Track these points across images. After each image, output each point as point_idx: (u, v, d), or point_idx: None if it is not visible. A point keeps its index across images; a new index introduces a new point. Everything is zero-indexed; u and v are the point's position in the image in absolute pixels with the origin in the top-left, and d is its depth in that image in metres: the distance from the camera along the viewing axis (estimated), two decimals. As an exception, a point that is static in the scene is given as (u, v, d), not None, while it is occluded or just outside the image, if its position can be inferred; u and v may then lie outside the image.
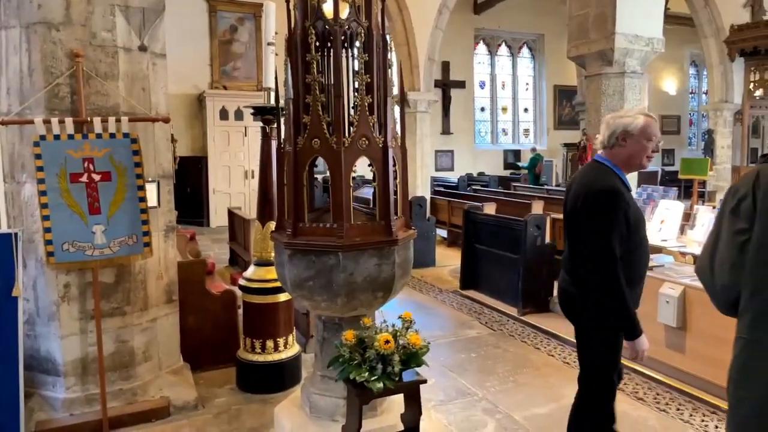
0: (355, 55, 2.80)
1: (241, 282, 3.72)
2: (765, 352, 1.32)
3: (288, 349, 3.71)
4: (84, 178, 3.02)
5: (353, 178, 2.77)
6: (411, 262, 2.92)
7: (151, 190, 3.29)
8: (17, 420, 2.79)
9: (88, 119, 3.01)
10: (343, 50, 2.82)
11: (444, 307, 5.60)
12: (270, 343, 3.63)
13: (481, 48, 16.61)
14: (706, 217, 4.10)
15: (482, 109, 16.75)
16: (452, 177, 13.92)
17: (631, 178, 3.39)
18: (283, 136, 2.91)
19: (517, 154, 16.16)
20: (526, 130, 17.18)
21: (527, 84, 17.24)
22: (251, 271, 3.71)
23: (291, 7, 2.83)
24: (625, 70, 4.75)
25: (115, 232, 3.10)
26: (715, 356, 3.43)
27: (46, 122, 2.91)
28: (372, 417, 2.72)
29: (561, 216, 6.51)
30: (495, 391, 3.65)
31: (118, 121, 3.07)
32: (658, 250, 4.27)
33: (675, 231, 4.31)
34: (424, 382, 2.57)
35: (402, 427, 2.63)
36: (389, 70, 2.88)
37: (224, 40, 11.72)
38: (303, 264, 2.67)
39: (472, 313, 5.34)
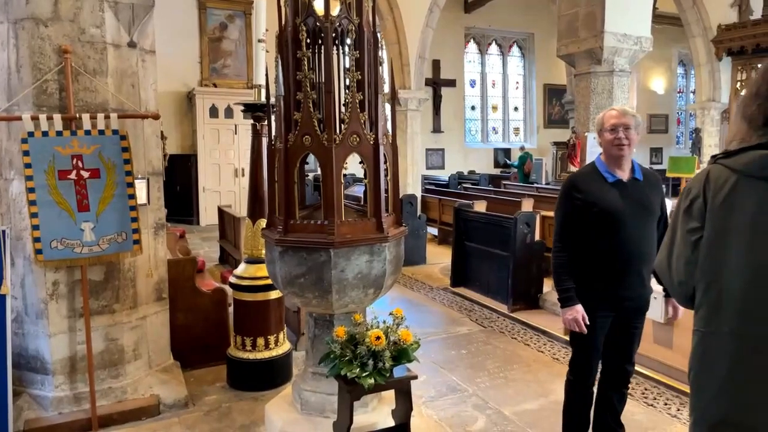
0: (346, 53, 2.80)
1: (232, 279, 3.71)
2: (720, 343, 1.39)
3: (279, 346, 3.71)
4: (72, 175, 3.00)
5: (344, 175, 2.77)
6: (402, 258, 2.94)
7: (140, 188, 3.28)
8: (6, 419, 2.77)
9: (77, 116, 2.99)
10: (334, 47, 2.82)
11: (435, 305, 5.62)
12: (261, 341, 3.63)
13: (472, 47, 16.65)
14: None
15: (473, 108, 16.80)
16: (443, 175, 13.95)
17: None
18: (273, 133, 2.91)
19: (507, 152, 16.23)
20: (516, 129, 17.25)
21: (517, 83, 17.30)
22: (242, 269, 3.71)
23: (282, 4, 2.83)
24: (613, 69, 4.78)
25: (105, 230, 3.08)
26: (702, 351, 3.48)
27: (34, 118, 2.89)
28: (363, 413, 2.73)
29: (551, 213, 6.55)
30: (485, 387, 3.67)
31: (107, 117, 3.06)
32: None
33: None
34: (415, 377, 2.58)
35: (393, 423, 2.64)
36: (380, 67, 2.88)
37: (214, 38, 11.65)
38: (294, 261, 2.67)
39: (462, 311, 5.37)
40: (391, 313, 2.58)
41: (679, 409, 3.33)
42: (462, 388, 3.66)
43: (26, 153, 2.91)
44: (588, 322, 2.47)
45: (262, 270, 3.58)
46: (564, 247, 2.55)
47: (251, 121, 3.85)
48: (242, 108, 3.77)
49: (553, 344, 4.44)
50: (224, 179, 11.26)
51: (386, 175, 2.83)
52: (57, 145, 2.95)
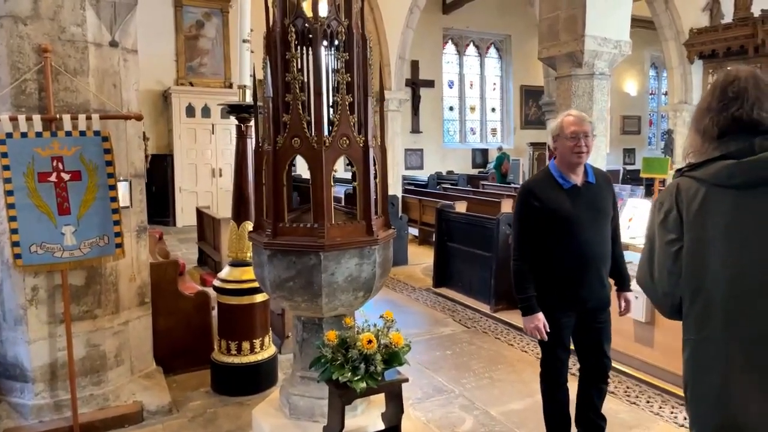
0: (336, 54, 2.79)
1: (216, 283, 3.66)
2: (712, 349, 1.43)
3: (264, 350, 3.67)
4: (53, 178, 2.92)
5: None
6: (390, 261, 2.94)
7: (122, 190, 3.21)
8: (-16, 429, 2.69)
9: (57, 116, 2.91)
10: (323, 49, 2.81)
11: (418, 305, 5.64)
12: (246, 345, 3.59)
13: (450, 48, 16.74)
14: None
15: (451, 109, 16.89)
16: (422, 176, 14.00)
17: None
18: (261, 135, 2.88)
19: (484, 153, 16.36)
20: (494, 130, 17.41)
21: (494, 84, 17.45)
22: (226, 272, 3.66)
23: (270, 4, 2.80)
24: (594, 72, 4.86)
25: (86, 233, 3.01)
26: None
27: (13, 119, 2.81)
28: (352, 416, 2.71)
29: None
30: (471, 388, 3.69)
31: (88, 118, 2.98)
32: (625, 247, 4.39)
33: (642, 229, 4.43)
34: (406, 380, 2.58)
35: (383, 426, 2.64)
36: (369, 69, 2.88)
37: (190, 36, 11.48)
38: (283, 264, 2.65)
39: (446, 311, 5.39)
40: (381, 316, 2.58)
41: (661, 407, 3.40)
42: (448, 389, 3.67)
43: (4, 155, 2.82)
44: (549, 329, 2.51)
45: (247, 273, 3.54)
46: (523, 255, 2.54)
47: (232, 122, 3.80)
48: (227, 109, 3.72)
49: (536, 344, 4.48)
50: (201, 179, 11.10)
51: (375, 177, 2.83)
52: (36, 147, 2.87)
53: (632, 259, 4.15)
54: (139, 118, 3.17)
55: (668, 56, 11.81)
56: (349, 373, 2.40)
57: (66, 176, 2.96)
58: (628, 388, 3.66)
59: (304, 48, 2.85)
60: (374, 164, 2.79)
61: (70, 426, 2.98)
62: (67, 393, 3.02)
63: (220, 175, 11.11)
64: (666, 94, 15.88)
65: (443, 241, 6.08)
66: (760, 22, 9.82)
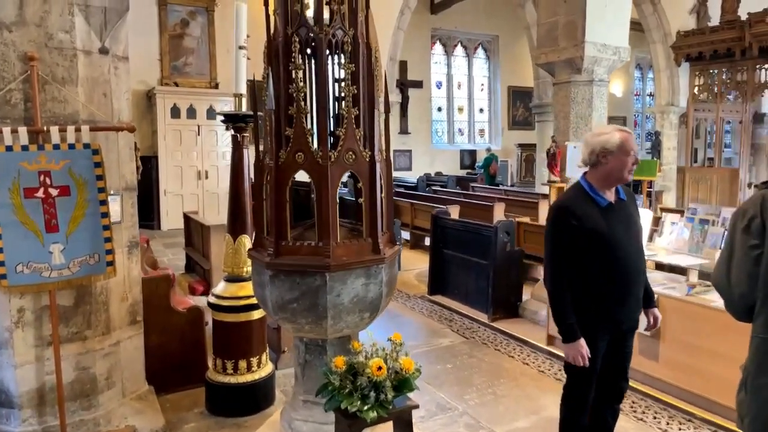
0: (341, 65, 2.68)
1: (211, 299, 3.52)
2: None
3: (261, 368, 3.54)
4: (40, 193, 2.76)
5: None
6: (396, 278, 2.85)
7: (114, 204, 3.06)
8: (-32, 463, 2.53)
9: (45, 128, 2.75)
10: (328, 59, 2.69)
11: (414, 314, 5.54)
12: (243, 364, 3.45)
13: (438, 48, 16.67)
14: (675, 225, 4.19)
15: (439, 109, 16.84)
16: (411, 177, 13.91)
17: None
18: (262, 148, 2.76)
19: (473, 154, 16.32)
20: (482, 131, 17.39)
21: (482, 85, 17.43)
22: (222, 288, 3.52)
23: (271, 12, 2.68)
24: (593, 78, 4.81)
25: (75, 251, 2.85)
26: (688, 363, 3.51)
27: (-3, 132, 2.64)
28: (360, 444, 2.61)
29: (526, 219, 6.58)
30: (475, 405, 3.61)
31: (77, 130, 2.83)
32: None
33: (644, 238, 4.37)
34: (416, 407, 2.50)
35: (391, 453, 2.54)
36: (375, 80, 2.78)
37: (175, 35, 11.23)
38: (286, 285, 2.54)
39: (443, 321, 5.30)
40: (390, 339, 2.48)
41: (668, 423, 3.35)
42: (452, 407, 3.58)
43: (-12, 170, 2.66)
44: (590, 355, 2.42)
45: (243, 289, 3.41)
46: (561, 278, 2.42)
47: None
48: (222, 119, 3.57)
49: (537, 355, 4.42)
50: (187, 182, 10.87)
51: (381, 192, 2.73)
52: (22, 161, 2.71)
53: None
54: (131, 129, 3.02)
55: (655, 58, 11.87)
56: (359, 402, 2.30)
57: (54, 191, 2.81)
58: (633, 402, 3.61)
59: (307, 58, 2.73)
60: (380, 179, 2.70)
61: (59, 454, 2.83)
62: (56, 419, 2.87)
63: (206, 177, 10.89)
64: (651, 95, 16.00)
65: (438, 247, 5.99)
66: (747, 25, 9.87)
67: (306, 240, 2.59)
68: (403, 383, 2.41)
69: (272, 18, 2.67)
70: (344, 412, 2.32)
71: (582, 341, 2.40)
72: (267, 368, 3.59)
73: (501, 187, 11.54)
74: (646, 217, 4.42)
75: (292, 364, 2.91)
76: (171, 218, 10.38)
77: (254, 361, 3.50)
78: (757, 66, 10.32)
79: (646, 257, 4.18)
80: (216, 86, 11.33)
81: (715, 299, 3.29)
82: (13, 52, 2.73)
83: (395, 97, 8.97)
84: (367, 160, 2.63)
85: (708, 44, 10.64)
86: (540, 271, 6.04)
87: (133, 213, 3.29)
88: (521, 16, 11.04)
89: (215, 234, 5.78)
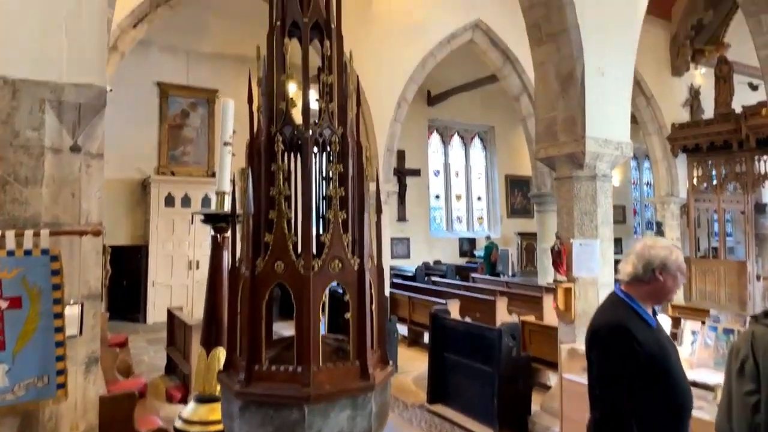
0: (328, 166, 2.46)
1: (177, 424, 3.08)
2: None
3: (234, 505, 3.04)
4: (-15, 306, 2.44)
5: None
6: (388, 405, 2.46)
7: (71, 316, 2.72)
8: None
9: (0, 233, 2.48)
10: (315, 158, 2.47)
11: (413, 430, 5.01)
12: (212, 500, 2.97)
13: (435, 137, 16.92)
14: (696, 334, 3.83)
15: (437, 197, 16.81)
16: (409, 266, 13.58)
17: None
18: (238, 255, 2.47)
19: (471, 242, 16.10)
20: (480, 218, 17.28)
21: (479, 173, 17.54)
22: (190, 410, 3.09)
23: (255, 109, 2.49)
24: (596, 174, 4.62)
25: (22, 373, 2.49)
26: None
27: (-58, 238, 2.36)
28: None
29: (531, 317, 6.20)
30: None
31: (36, 234, 2.55)
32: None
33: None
34: None
35: None
36: (366, 180, 2.55)
37: (175, 125, 11.34)
38: (257, 419, 2.15)
39: (443, 436, 4.79)
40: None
41: None
42: None
43: (-74, 281, 2.35)
44: None
45: (215, 412, 2.98)
46: (626, 413, 2.06)
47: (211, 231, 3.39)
48: (201, 218, 3.32)
49: (551, 482, 3.90)
50: (177, 272, 10.52)
51: (371, 303, 2.41)
52: (-32, 270, 2.41)
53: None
54: (97, 233, 2.75)
55: (652, 150, 11.94)
56: None
57: (3, 304, 2.48)
58: None
59: (291, 156, 2.51)
60: (370, 288, 2.39)
61: None
62: None
63: (197, 268, 10.56)
64: (648, 184, 16.05)
65: (438, 350, 5.55)
66: (743, 117, 9.97)
67: (283, 363, 2.24)
68: None
69: (255, 115, 2.48)
70: None
71: None
72: (240, 505, 3.09)
73: (503, 277, 11.20)
74: (665, 323, 4.07)
75: None
76: (158, 311, 9.93)
77: (225, 497, 3.01)
78: (756, 157, 10.33)
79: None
80: (213, 174, 11.26)
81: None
82: (-29, 150, 2.51)
83: (392, 186, 8.86)
84: (356, 269, 2.33)
85: (704, 136, 10.71)
86: (549, 376, 5.58)
87: (95, 324, 2.94)
88: (516, 109, 11.20)
89: (198, 335, 5.36)
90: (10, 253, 2.49)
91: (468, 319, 6.76)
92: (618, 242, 18.32)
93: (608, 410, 2.13)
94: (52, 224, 2.68)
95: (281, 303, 3.07)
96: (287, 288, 2.38)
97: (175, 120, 11.38)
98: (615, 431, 2.09)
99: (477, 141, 17.58)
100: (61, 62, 2.76)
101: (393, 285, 9.55)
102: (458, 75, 13.07)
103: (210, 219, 3.26)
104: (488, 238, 13.47)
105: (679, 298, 10.75)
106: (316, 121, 2.41)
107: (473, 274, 11.34)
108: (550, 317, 7.33)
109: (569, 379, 4.09)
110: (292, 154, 2.50)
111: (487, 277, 11.41)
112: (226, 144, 3.39)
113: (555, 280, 4.64)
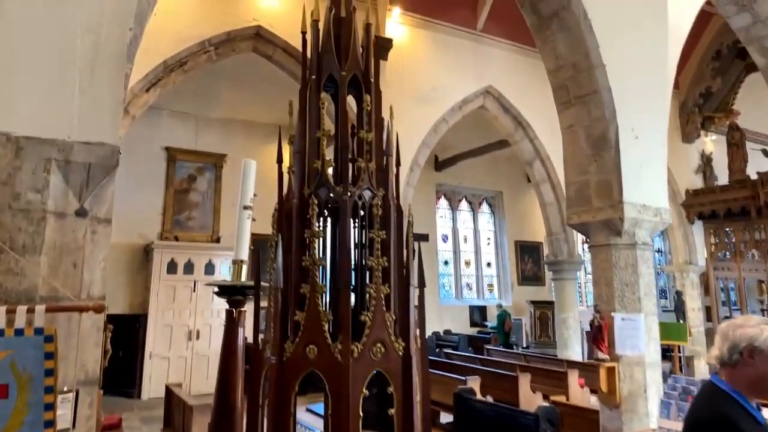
0: (370, 230, 2.17)
1: None
2: None
3: None
4: (-35, 397, 2.06)
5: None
6: None
7: (64, 406, 2.33)
8: None
9: (-13, 309, 2.14)
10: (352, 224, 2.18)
11: None
12: None
13: (443, 202, 16.77)
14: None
15: (446, 263, 16.45)
16: (418, 336, 12.98)
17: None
18: (261, 337, 2.13)
19: (482, 310, 15.57)
20: (490, 286, 16.83)
21: (488, 239, 17.25)
22: None
23: (284, 169, 2.22)
24: (636, 242, 4.32)
25: (0, 478, 2.08)
26: None
27: None
28: None
29: (561, 398, 5.70)
30: None
31: (30, 311, 2.20)
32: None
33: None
34: None
35: None
36: (407, 249, 2.26)
37: (181, 190, 11.15)
38: None
39: None
40: None
41: None
42: None
43: None
44: None
45: None
46: None
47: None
48: (215, 290, 2.98)
49: None
50: (176, 343, 9.99)
51: (416, 395, 2.05)
52: (-52, 353, 2.06)
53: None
54: (99, 309, 2.40)
55: (667, 216, 11.70)
56: None
57: (-15, 393, 2.11)
58: None
59: (323, 220, 2.22)
60: (416, 376, 2.03)
61: None
62: None
63: (198, 338, 10.05)
64: (659, 251, 15.73)
65: (464, 436, 5.04)
66: (760, 184, 9.81)
67: (317, 470, 1.85)
68: None
69: (285, 177, 2.20)
70: None
71: None
72: None
73: (519, 349, 10.66)
74: None
75: None
76: (154, 385, 9.33)
77: None
78: (776, 224, 10.10)
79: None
80: (218, 240, 11.01)
81: None
82: (-37, 214, 2.22)
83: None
84: (401, 353, 2.00)
85: (720, 203, 10.53)
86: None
87: (90, 416, 2.54)
88: (525, 174, 11.10)
89: (199, 416, 4.88)
90: (0, 333, 2.14)
91: (489, 398, 6.26)
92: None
93: None
94: (49, 298, 2.35)
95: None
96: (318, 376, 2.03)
97: (182, 185, 11.21)
98: None
99: (485, 206, 17.42)
100: (72, 118, 2.53)
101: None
102: (466, 140, 13.07)
103: (225, 291, 2.92)
104: (500, 306, 12.99)
105: (703, 370, 10.18)
106: (355, 183, 2.15)
107: (487, 346, 10.80)
108: (576, 396, 6.82)
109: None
110: (322, 220, 2.20)
111: (502, 349, 10.86)
112: (246, 208, 3.10)
113: (596, 359, 4.24)
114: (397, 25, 9.08)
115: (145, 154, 10.56)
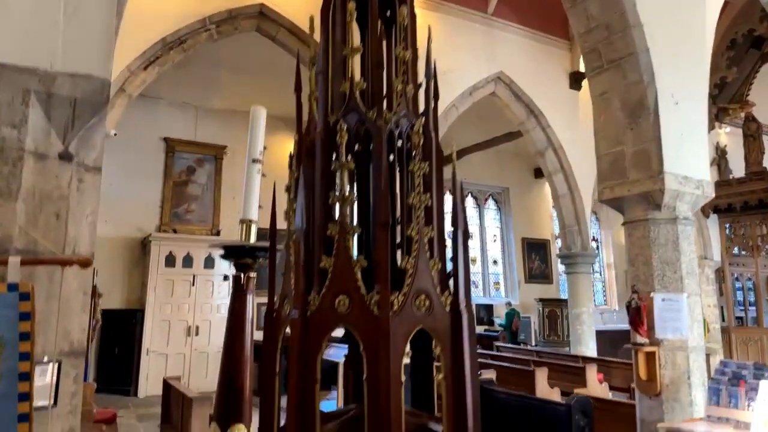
0: (409, 164, 1.83)
1: None
2: None
3: None
4: None
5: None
6: None
7: (42, 380, 1.97)
8: None
9: (-51, 260, 1.78)
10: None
11: None
12: None
13: (447, 198, 16.42)
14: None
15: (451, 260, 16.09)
16: (424, 334, 12.61)
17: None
18: (280, 292, 1.79)
19: (489, 308, 15.18)
20: (497, 284, 16.46)
21: (495, 236, 16.90)
22: None
23: (305, 97, 1.88)
24: (677, 216, 3.98)
25: (-37, 460, 1.72)
26: None
27: None
28: None
29: (583, 390, 5.32)
30: None
31: (2, 263, 1.85)
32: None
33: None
34: None
35: None
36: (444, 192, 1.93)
37: (180, 182, 10.79)
38: None
39: None
40: None
41: None
42: None
43: None
44: None
45: None
46: None
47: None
48: (221, 253, 2.61)
49: None
50: (174, 339, 9.60)
51: (468, 362, 1.70)
52: None
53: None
54: (85, 263, 2.04)
55: (680, 210, 11.36)
56: None
57: (-54, 359, 1.75)
58: None
59: (351, 156, 1.88)
60: (468, 340, 1.69)
61: None
62: None
63: (197, 334, 9.67)
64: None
65: (488, 429, 4.66)
66: (778, 176, 9.49)
67: (348, 444, 1.51)
68: None
69: (305, 104, 1.86)
70: None
71: None
72: None
73: (528, 346, 10.30)
74: None
75: None
76: (151, 382, 8.93)
77: None
78: (795, 217, 9.77)
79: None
80: (217, 233, 10.64)
81: None
82: None
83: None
84: (448, 309, 1.66)
85: (737, 195, 10.20)
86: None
87: (75, 392, 2.16)
88: (532, 169, 10.75)
89: (199, 409, 4.50)
90: (-36, 288, 1.79)
91: (508, 392, 5.89)
92: (642, 310, 17.44)
93: None
94: (27, 252, 1.98)
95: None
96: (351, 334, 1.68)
97: (181, 176, 10.85)
98: None
99: (491, 202, 17.07)
100: (55, 45, 2.17)
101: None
102: (470, 134, 12.74)
103: (232, 253, 2.55)
104: (509, 304, 12.63)
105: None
106: (391, 108, 1.81)
107: (496, 343, 10.43)
108: (596, 392, 6.46)
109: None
110: (350, 155, 1.86)
111: (511, 345, 10.50)
112: (254, 161, 2.73)
113: (634, 343, 3.87)
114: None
115: (143, 144, 10.22)
